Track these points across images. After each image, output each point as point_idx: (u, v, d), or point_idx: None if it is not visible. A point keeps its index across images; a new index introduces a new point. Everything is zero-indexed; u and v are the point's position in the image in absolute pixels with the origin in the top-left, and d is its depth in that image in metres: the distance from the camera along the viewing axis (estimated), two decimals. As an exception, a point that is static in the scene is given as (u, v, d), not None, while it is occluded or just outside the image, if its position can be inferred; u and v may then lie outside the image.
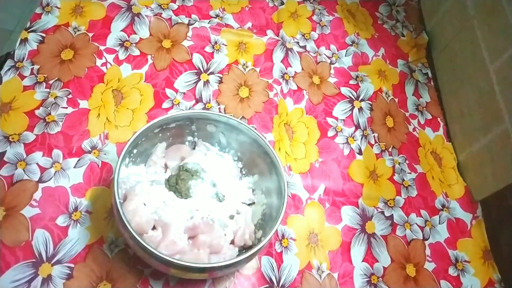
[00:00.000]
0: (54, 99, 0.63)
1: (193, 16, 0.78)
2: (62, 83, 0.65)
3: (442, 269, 0.65)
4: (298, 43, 0.82)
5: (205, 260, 0.50)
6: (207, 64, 0.74)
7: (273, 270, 0.58)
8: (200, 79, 0.72)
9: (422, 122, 0.80)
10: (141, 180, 0.54)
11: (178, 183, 0.54)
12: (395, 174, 0.72)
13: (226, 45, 0.77)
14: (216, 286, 0.55)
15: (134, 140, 0.51)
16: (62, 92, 0.64)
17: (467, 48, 0.77)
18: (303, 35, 0.83)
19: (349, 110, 0.77)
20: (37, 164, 0.57)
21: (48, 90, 0.64)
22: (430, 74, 0.87)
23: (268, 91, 0.74)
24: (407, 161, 0.74)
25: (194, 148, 0.61)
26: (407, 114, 0.80)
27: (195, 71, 0.72)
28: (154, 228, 0.51)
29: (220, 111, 0.69)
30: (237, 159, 0.61)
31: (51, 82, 0.64)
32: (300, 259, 0.60)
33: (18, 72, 0.64)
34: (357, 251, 0.63)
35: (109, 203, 0.57)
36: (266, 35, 0.80)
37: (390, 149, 0.74)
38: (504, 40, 0.68)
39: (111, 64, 0.69)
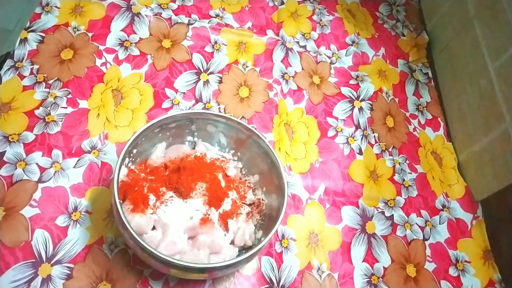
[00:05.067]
0: (54, 99, 0.63)
1: (193, 16, 0.78)
2: (61, 83, 0.65)
3: (443, 269, 0.65)
4: (298, 43, 0.82)
5: (205, 260, 0.50)
6: (207, 64, 0.74)
7: (273, 271, 0.58)
8: (200, 79, 0.72)
9: (423, 122, 0.80)
10: (141, 180, 0.54)
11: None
12: (395, 174, 0.72)
13: (226, 45, 0.77)
14: (216, 286, 0.55)
15: (134, 140, 0.51)
16: (62, 92, 0.64)
17: (467, 48, 0.77)
18: (303, 35, 0.83)
19: (349, 110, 0.76)
20: (37, 164, 0.57)
21: (47, 90, 0.63)
22: (430, 74, 0.87)
23: (268, 91, 0.74)
24: (407, 161, 0.74)
25: (194, 148, 0.61)
26: (408, 114, 0.80)
27: (195, 71, 0.72)
28: (154, 228, 0.51)
29: (220, 111, 0.69)
30: (237, 159, 0.61)
31: (50, 82, 0.64)
32: (300, 259, 0.60)
33: (17, 72, 0.64)
34: (357, 251, 0.63)
35: (109, 203, 0.57)
36: (266, 35, 0.80)
37: (390, 149, 0.74)
38: (504, 40, 0.68)
39: (110, 64, 0.69)
